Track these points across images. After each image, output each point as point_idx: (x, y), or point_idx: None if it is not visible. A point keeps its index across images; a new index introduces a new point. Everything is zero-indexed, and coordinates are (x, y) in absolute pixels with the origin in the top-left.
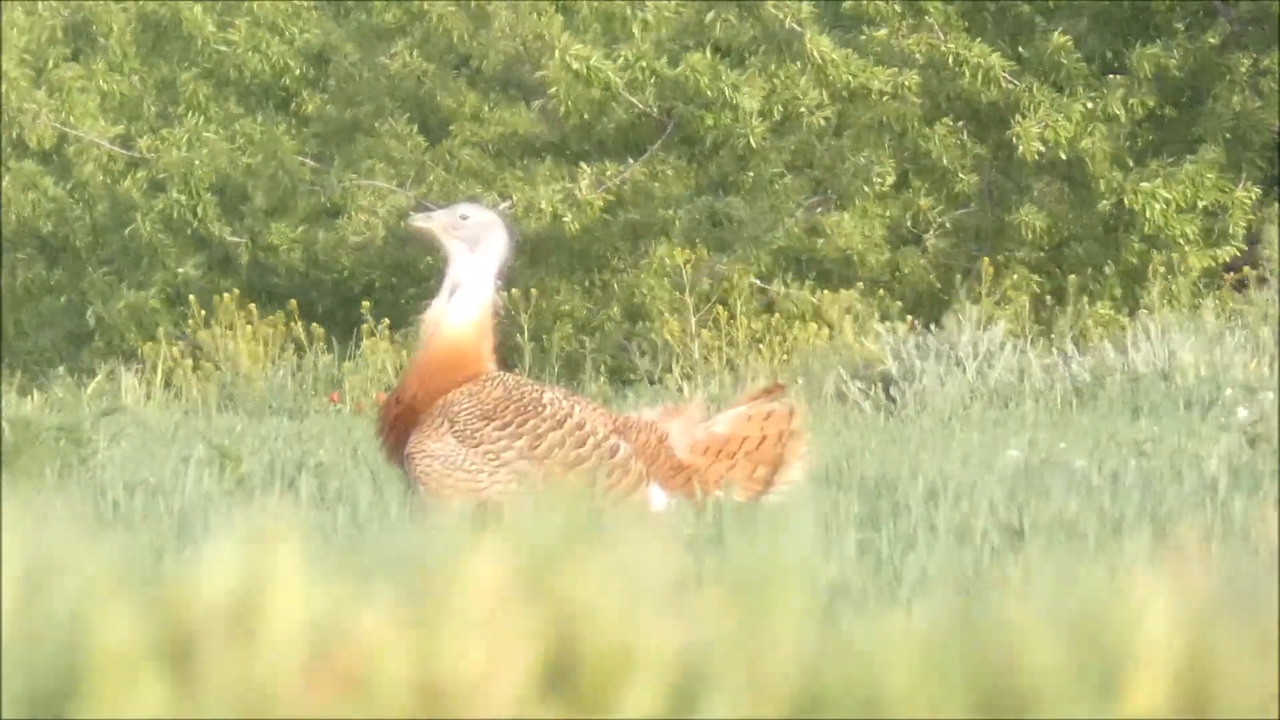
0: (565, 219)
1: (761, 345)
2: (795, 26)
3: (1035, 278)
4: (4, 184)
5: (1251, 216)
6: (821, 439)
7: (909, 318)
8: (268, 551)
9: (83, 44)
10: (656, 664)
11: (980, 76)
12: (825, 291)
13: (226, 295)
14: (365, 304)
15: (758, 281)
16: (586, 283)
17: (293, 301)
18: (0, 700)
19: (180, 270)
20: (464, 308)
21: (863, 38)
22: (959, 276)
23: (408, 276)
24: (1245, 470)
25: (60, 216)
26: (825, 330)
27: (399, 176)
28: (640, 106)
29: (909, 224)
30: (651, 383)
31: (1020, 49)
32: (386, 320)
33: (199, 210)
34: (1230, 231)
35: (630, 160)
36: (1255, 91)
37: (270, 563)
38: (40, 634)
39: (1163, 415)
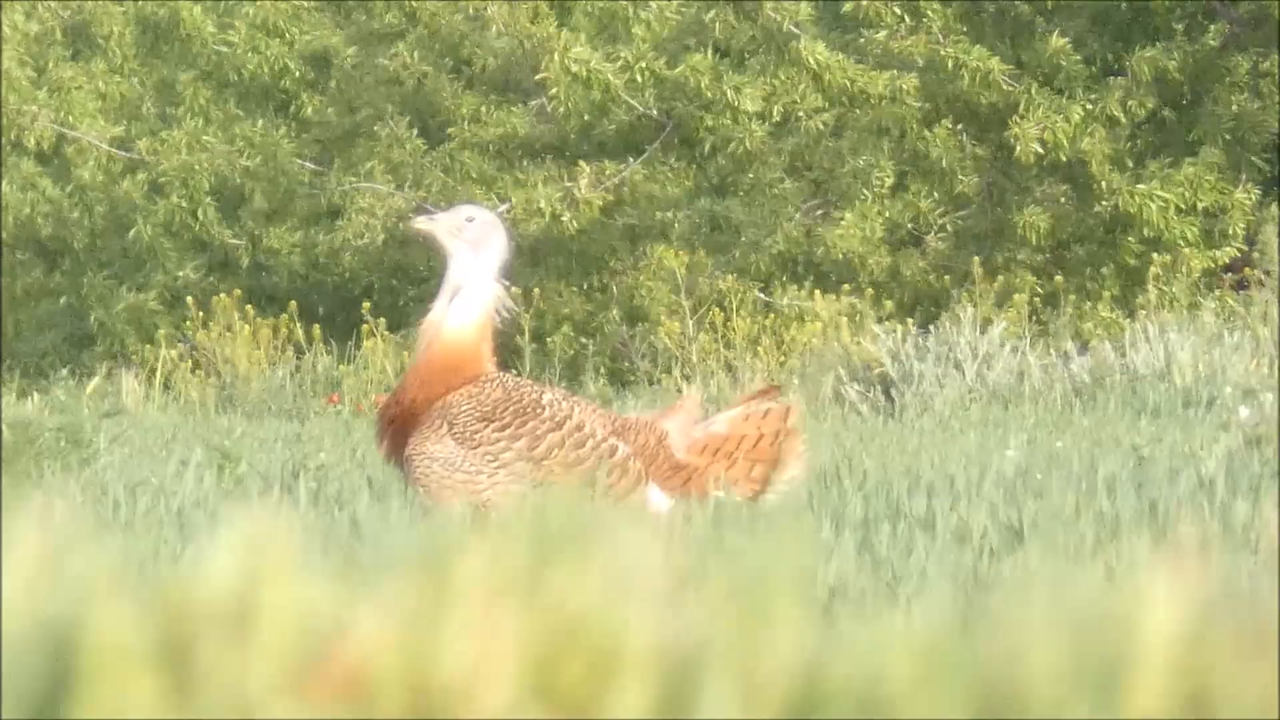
0: (564, 218)
1: (760, 347)
2: (793, 29)
3: (1035, 279)
4: (3, 186)
5: (1251, 218)
6: (821, 441)
7: (908, 320)
8: (265, 552)
9: (82, 45)
10: (653, 664)
11: (979, 79)
12: (824, 293)
13: (225, 297)
14: (365, 305)
15: (762, 296)
16: (586, 285)
17: (293, 303)
18: (0, 700)
19: (180, 273)
20: (465, 310)
21: (861, 40)
22: (958, 278)
23: (407, 278)
24: (1244, 470)
25: (59, 219)
26: (823, 330)
27: (398, 179)
28: (640, 108)
29: (909, 226)
30: (650, 384)
31: (1019, 51)
32: (386, 321)
33: (199, 214)
34: (1230, 233)
35: (630, 160)
36: (1255, 93)
37: (268, 564)
38: (40, 634)
39: (1162, 415)
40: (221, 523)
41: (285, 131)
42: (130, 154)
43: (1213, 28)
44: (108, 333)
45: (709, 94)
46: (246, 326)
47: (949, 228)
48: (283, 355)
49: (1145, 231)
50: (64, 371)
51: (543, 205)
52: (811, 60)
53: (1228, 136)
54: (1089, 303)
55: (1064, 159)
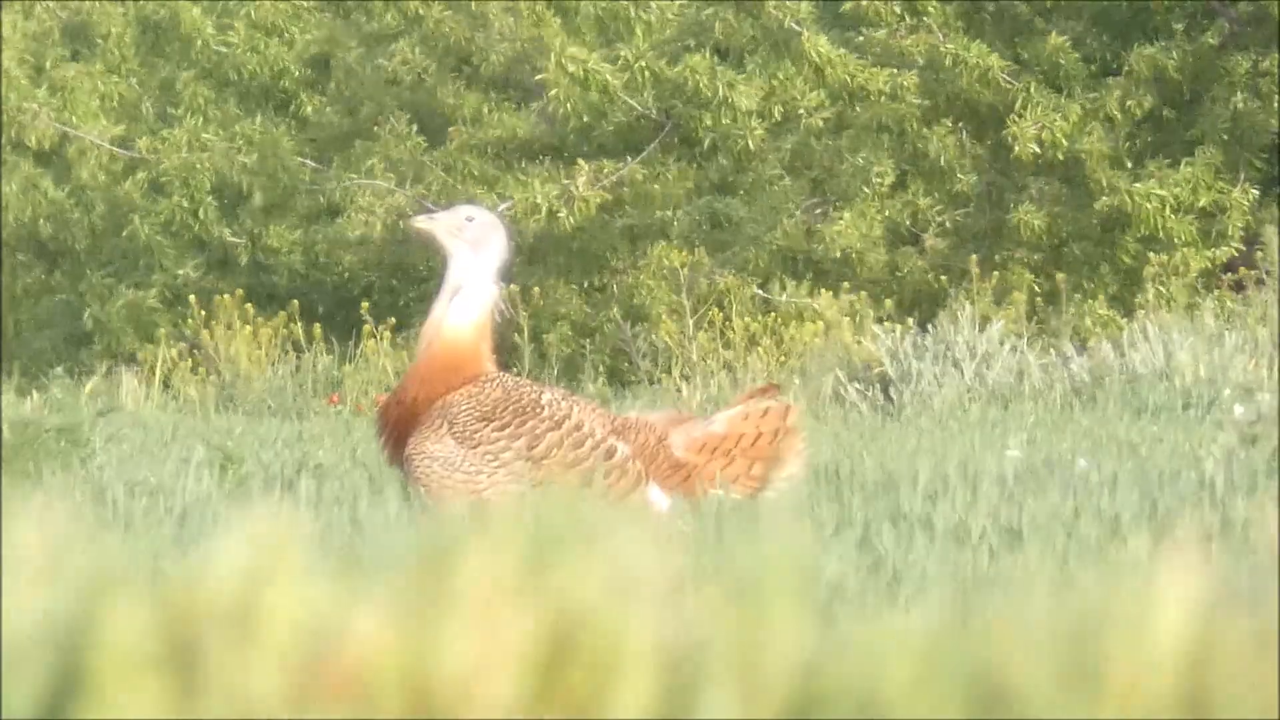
0: (560, 214)
1: (759, 346)
2: (794, 26)
3: (1033, 278)
4: (3, 186)
5: (1250, 218)
6: (820, 440)
7: (908, 319)
8: (266, 552)
9: (81, 45)
10: (653, 664)
11: (979, 77)
12: (823, 291)
13: (227, 296)
14: (365, 305)
15: (760, 292)
16: (585, 284)
17: (295, 302)
18: (0, 700)
19: (180, 272)
20: (465, 310)
21: (861, 38)
22: (957, 277)
23: (407, 277)
24: (1244, 470)
25: (59, 219)
26: (823, 328)
27: (398, 177)
28: (639, 108)
29: (907, 224)
30: (650, 384)
31: (1019, 49)
32: (387, 321)
33: (200, 213)
34: (1228, 232)
35: (629, 159)
36: (1254, 93)
37: (269, 563)
38: (40, 634)
39: (1161, 415)
40: (222, 523)
41: (285, 130)
42: (130, 153)
43: (1212, 27)
44: (105, 331)
45: (707, 93)
46: (247, 326)
47: (947, 225)
48: (283, 354)
49: (1143, 230)
50: (60, 370)
51: (539, 201)
52: (814, 54)
53: (1226, 136)
54: (1087, 302)
55: (1061, 158)
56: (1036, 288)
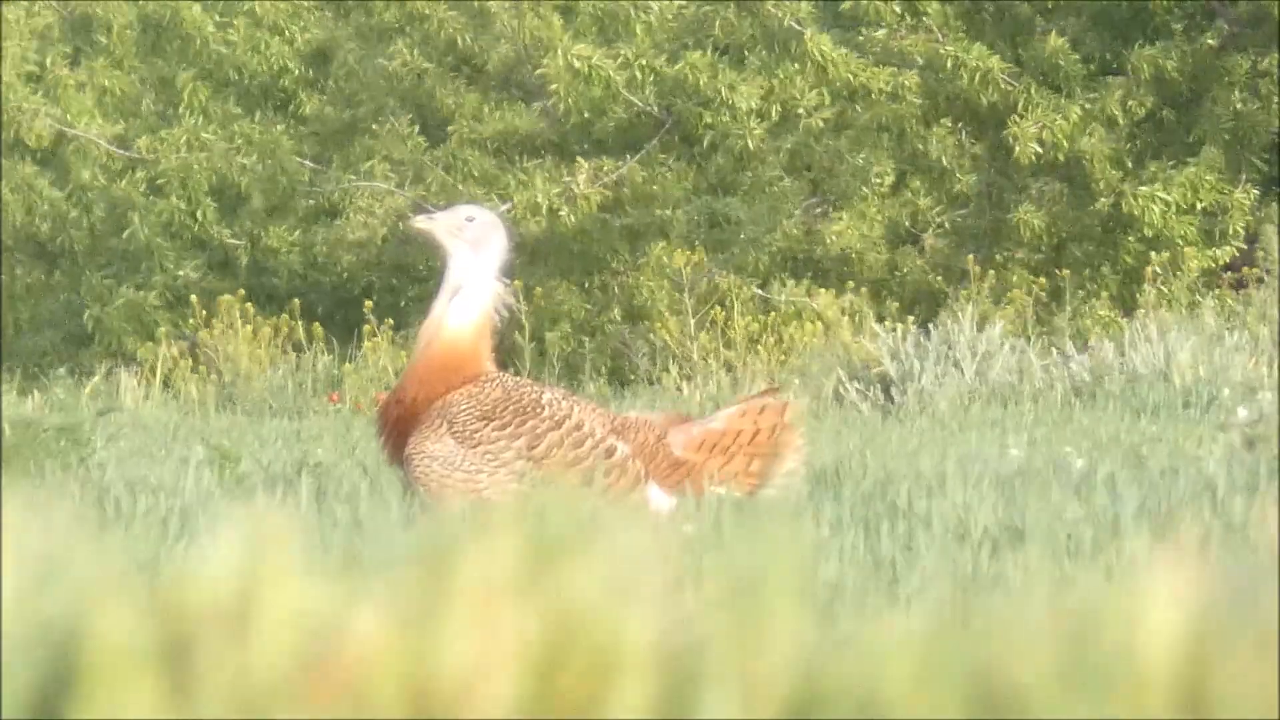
0: (561, 212)
1: (759, 346)
2: (795, 25)
3: (1034, 278)
4: (3, 186)
5: (1250, 218)
6: (820, 439)
7: (908, 318)
8: (266, 551)
9: (82, 42)
10: (653, 664)
11: (978, 78)
12: (823, 291)
13: (228, 296)
14: (367, 304)
15: (760, 292)
16: (585, 284)
17: (295, 301)
18: (0, 700)
19: (180, 272)
20: (465, 310)
21: (861, 38)
22: (957, 277)
23: (407, 277)
24: (1244, 470)
25: (59, 219)
26: (822, 329)
27: (398, 177)
28: (640, 105)
29: (907, 224)
30: (650, 383)
31: (1019, 50)
32: (389, 321)
33: (199, 214)
34: (1229, 232)
35: (629, 157)
36: (1254, 93)
37: (267, 562)
38: (39, 634)
39: (1162, 415)
40: (222, 522)
41: (284, 129)
42: (129, 152)
43: (1211, 27)
44: (105, 331)
45: (707, 91)
46: (247, 325)
47: (947, 225)
48: (283, 354)
49: (1145, 231)
50: (62, 370)
51: (540, 200)
52: (816, 53)
53: (1227, 136)
54: (1089, 302)
55: (1062, 159)
56: (1037, 285)
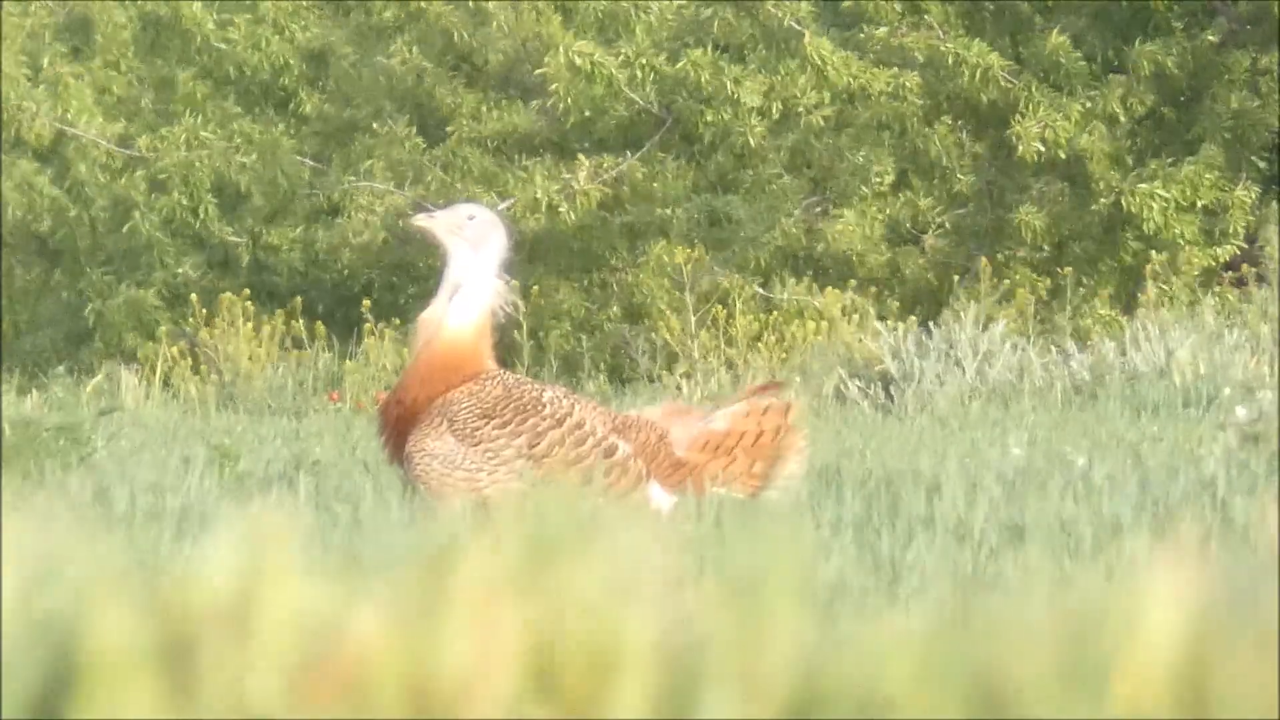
0: (561, 209)
1: (760, 344)
2: (795, 25)
3: (1035, 277)
4: (3, 184)
5: (1251, 216)
6: (821, 438)
7: (909, 317)
8: (265, 551)
9: (81, 41)
10: (653, 663)
11: (979, 76)
12: (824, 289)
13: (228, 294)
14: (366, 303)
15: (761, 290)
16: (585, 282)
17: (297, 300)
18: (0, 700)
19: (180, 270)
20: (465, 309)
21: (861, 36)
22: (958, 276)
23: (407, 276)
24: (1244, 469)
25: (59, 217)
26: (824, 327)
27: (397, 177)
28: (640, 103)
29: (908, 223)
30: (650, 381)
31: (1019, 48)
32: (388, 320)
33: (200, 212)
34: (1230, 231)
35: (629, 155)
36: (1254, 91)
37: (267, 562)
38: (39, 634)
39: (1162, 414)
40: (222, 521)
41: (284, 129)
42: (130, 151)
43: (1212, 25)
44: (105, 329)
45: (709, 89)
46: (247, 324)
47: (947, 224)
48: (283, 352)
49: (1146, 229)
50: (62, 369)
51: (540, 196)
52: (816, 57)
53: (1227, 134)
54: (1089, 302)
55: (1064, 157)
56: (1038, 284)
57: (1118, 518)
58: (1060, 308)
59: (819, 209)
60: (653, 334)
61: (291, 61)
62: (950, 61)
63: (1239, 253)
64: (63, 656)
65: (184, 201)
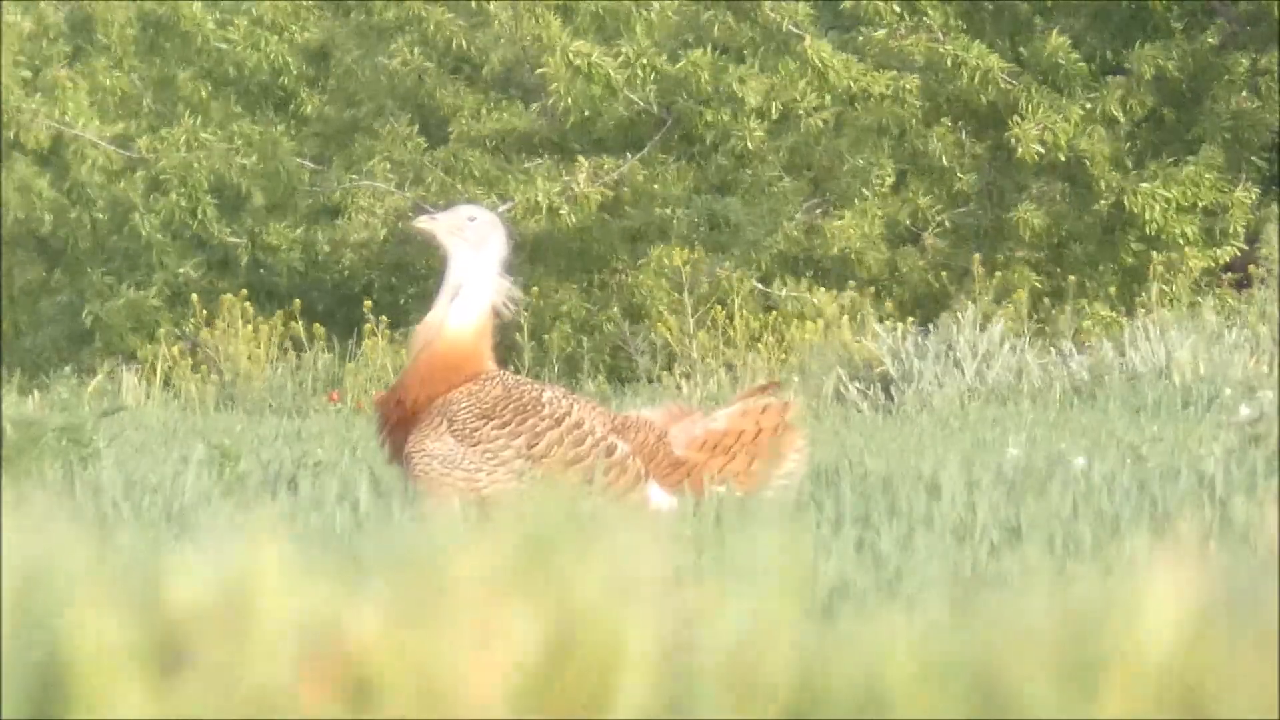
0: (562, 211)
1: (760, 344)
2: (793, 28)
3: (1035, 277)
4: (3, 185)
5: (1251, 217)
6: (820, 439)
7: (909, 318)
8: (261, 551)
9: (82, 41)
10: (653, 663)
11: (979, 78)
12: (824, 290)
13: (228, 295)
14: (367, 303)
15: (760, 286)
16: (585, 283)
17: (297, 301)
18: (0, 700)
19: (180, 271)
20: (466, 310)
21: (860, 38)
22: (958, 276)
23: (407, 276)
24: (1244, 469)
25: (59, 218)
26: (823, 327)
27: (398, 177)
28: (640, 103)
29: (908, 224)
30: (649, 382)
31: (1019, 49)
32: (386, 319)
33: (199, 212)
34: (1230, 231)
35: (629, 156)
36: (1254, 91)
37: (263, 562)
38: (39, 634)
39: (1162, 414)
40: (219, 521)
41: (284, 129)
42: (129, 152)
43: (1212, 26)
44: (105, 329)
45: (709, 89)
46: (247, 324)
47: (947, 225)
48: (283, 353)
49: (1147, 230)
50: (66, 370)
51: (540, 199)
52: (816, 60)
53: (1227, 135)
54: (1087, 302)
55: (1064, 158)
56: (1038, 284)
57: (1117, 518)
58: (1060, 308)
59: (819, 210)
60: (652, 335)
61: (291, 62)
62: (949, 63)
63: (1239, 254)
64: (62, 657)
65: (183, 203)
